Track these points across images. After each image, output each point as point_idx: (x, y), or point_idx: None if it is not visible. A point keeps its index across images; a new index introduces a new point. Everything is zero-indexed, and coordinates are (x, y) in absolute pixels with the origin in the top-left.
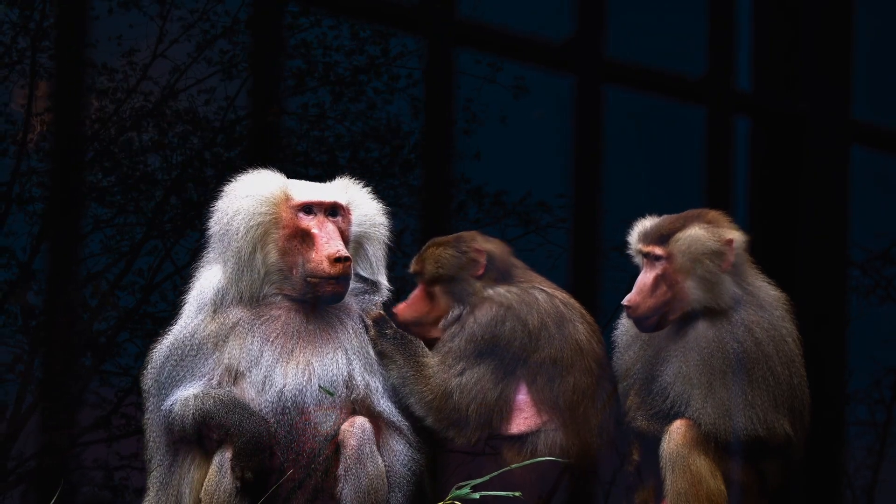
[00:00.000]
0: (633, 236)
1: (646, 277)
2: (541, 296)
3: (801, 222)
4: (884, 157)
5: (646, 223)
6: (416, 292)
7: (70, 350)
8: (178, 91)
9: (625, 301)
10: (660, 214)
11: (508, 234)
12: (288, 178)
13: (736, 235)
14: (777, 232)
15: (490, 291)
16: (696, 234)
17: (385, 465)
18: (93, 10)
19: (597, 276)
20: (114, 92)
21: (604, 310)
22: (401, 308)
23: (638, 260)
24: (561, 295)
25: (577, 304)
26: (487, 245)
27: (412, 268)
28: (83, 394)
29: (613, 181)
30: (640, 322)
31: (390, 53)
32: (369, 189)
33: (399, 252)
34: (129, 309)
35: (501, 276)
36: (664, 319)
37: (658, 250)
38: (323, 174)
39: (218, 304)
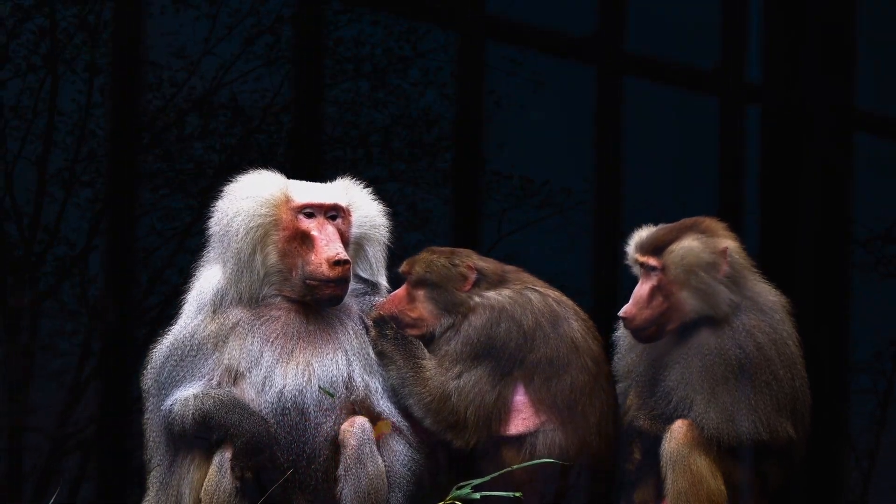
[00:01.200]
0: (630, 247)
1: (642, 289)
2: (534, 296)
3: (808, 204)
4: (886, 144)
5: (642, 233)
6: (399, 290)
7: (125, 323)
8: (224, 84)
9: (621, 312)
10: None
11: (532, 216)
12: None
13: (731, 244)
14: (785, 215)
15: (481, 297)
16: (689, 245)
17: (385, 466)
18: (147, 7)
19: (617, 258)
20: (165, 85)
21: (624, 291)
22: (380, 302)
23: (635, 270)
24: (554, 294)
25: (570, 302)
26: (480, 263)
27: (402, 268)
28: (137, 364)
29: (632, 167)
30: (637, 333)
31: (423, 47)
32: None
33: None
34: (178, 285)
35: (492, 285)
36: (661, 330)
37: (653, 261)
38: (356, 160)
39: (217, 305)
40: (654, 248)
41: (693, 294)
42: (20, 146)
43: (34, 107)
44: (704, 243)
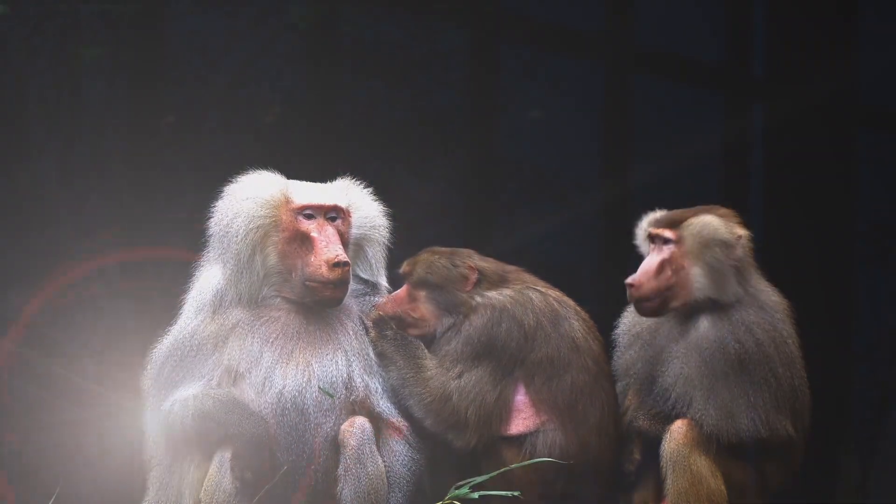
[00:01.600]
0: (643, 223)
1: (652, 260)
2: (535, 295)
3: (812, 198)
4: (888, 139)
5: (656, 213)
6: (401, 291)
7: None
8: (243, 81)
9: (629, 280)
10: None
11: (542, 210)
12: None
13: (744, 232)
14: (789, 208)
15: (482, 297)
16: (708, 220)
17: (385, 466)
18: (168, 7)
19: (625, 251)
20: (187, 80)
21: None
22: (381, 303)
23: (644, 248)
24: (555, 293)
25: (571, 302)
26: (481, 263)
27: (403, 269)
28: None
29: (641, 160)
30: (641, 303)
31: (437, 45)
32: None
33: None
34: None
35: (493, 285)
36: (665, 305)
37: (668, 233)
38: (371, 155)
39: (217, 305)
40: (671, 221)
41: (704, 270)
42: (42, 141)
43: (56, 101)
44: (723, 222)
